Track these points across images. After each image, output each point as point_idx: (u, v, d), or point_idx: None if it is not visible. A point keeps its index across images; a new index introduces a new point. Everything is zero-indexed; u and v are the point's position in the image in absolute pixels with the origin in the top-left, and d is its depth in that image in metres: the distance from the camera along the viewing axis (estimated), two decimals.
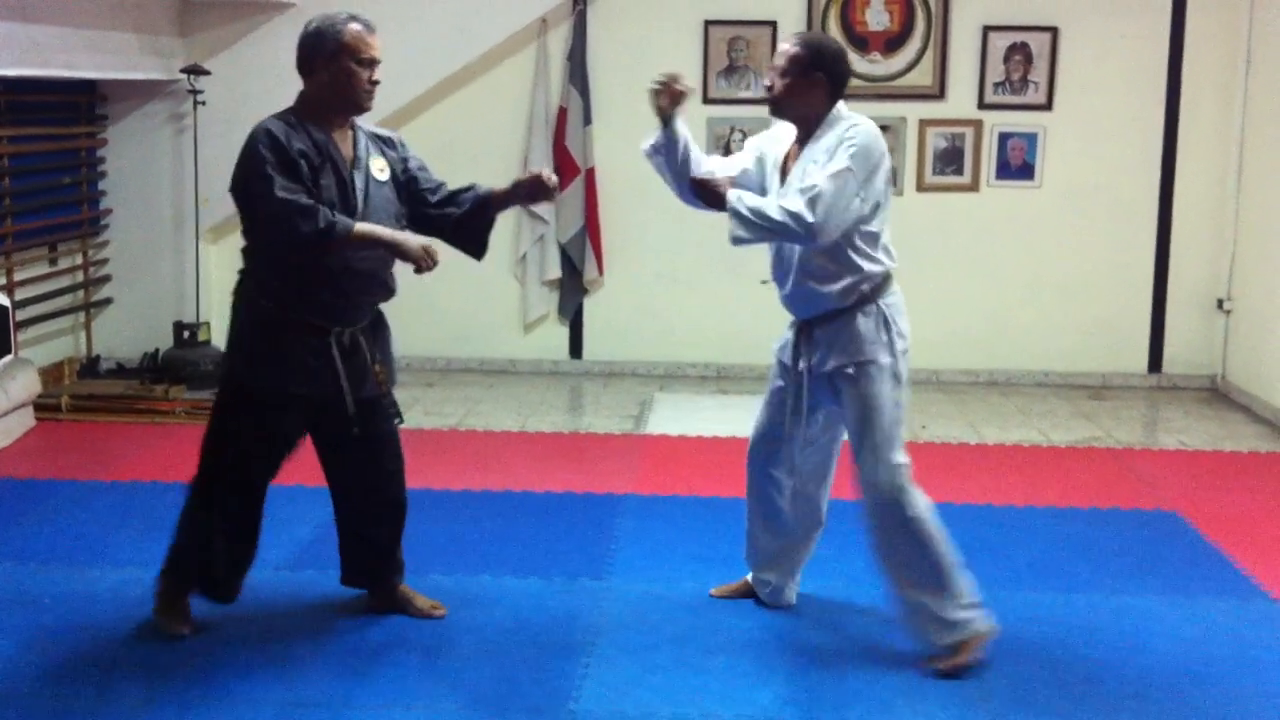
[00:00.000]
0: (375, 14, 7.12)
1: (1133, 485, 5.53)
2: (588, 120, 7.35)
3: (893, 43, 7.33)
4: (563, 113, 7.34)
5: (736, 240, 3.62)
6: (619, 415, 6.70)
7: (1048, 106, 7.33)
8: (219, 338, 7.38)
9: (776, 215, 3.52)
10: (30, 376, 6.12)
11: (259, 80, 7.07)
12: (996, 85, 7.34)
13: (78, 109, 7.07)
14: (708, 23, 7.35)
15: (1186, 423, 6.72)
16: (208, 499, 3.76)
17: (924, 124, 7.38)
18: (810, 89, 3.62)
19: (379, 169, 3.77)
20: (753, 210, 3.57)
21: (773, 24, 7.33)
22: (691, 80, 7.27)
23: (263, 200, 3.50)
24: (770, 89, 3.69)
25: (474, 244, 4.05)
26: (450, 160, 7.62)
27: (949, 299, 7.53)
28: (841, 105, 3.67)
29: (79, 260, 7.21)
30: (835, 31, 7.31)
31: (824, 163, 3.54)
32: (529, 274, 7.54)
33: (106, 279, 7.40)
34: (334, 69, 3.62)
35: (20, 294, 6.57)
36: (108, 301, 7.42)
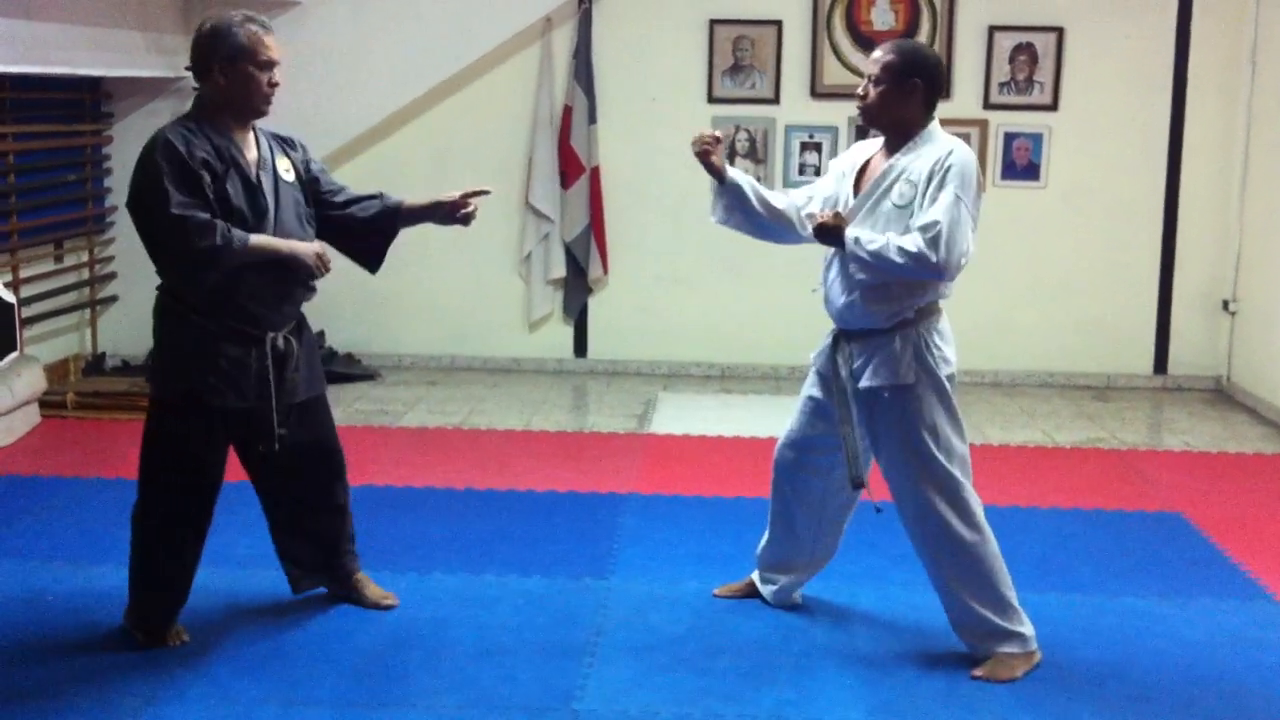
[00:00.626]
0: (380, 13, 7.23)
1: (1137, 486, 5.52)
2: (592, 119, 7.35)
3: None
4: (567, 112, 7.34)
5: (861, 283, 3.60)
6: (623, 414, 6.70)
7: (1053, 107, 7.32)
8: None
9: (898, 258, 3.46)
10: (36, 373, 6.13)
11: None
12: (1002, 85, 7.33)
13: (82, 106, 7.07)
14: (713, 21, 7.35)
15: (1191, 424, 6.71)
16: (149, 525, 3.70)
17: None
18: (906, 97, 3.56)
19: (285, 169, 3.70)
20: (872, 254, 3.50)
21: (778, 23, 7.32)
22: (696, 79, 7.37)
23: (158, 214, 3.43)
24: (864, 98, 3.61)
25: (370, 254, 3.97)
26: (454, 159, 7.67)
27: (953, 300, 7.46)
28: (937, 122, 3.61)
29: (84, 258, 7.22)
30: (840, 30, 7.31)
31: (924, 189, 3.49)
32: (533, 273, 7.54)
33: (112, 276, 7.40)
34: (231, 73, 3.52)
35: (26, 291, 6.57)
36: (113, 299, 7.43)
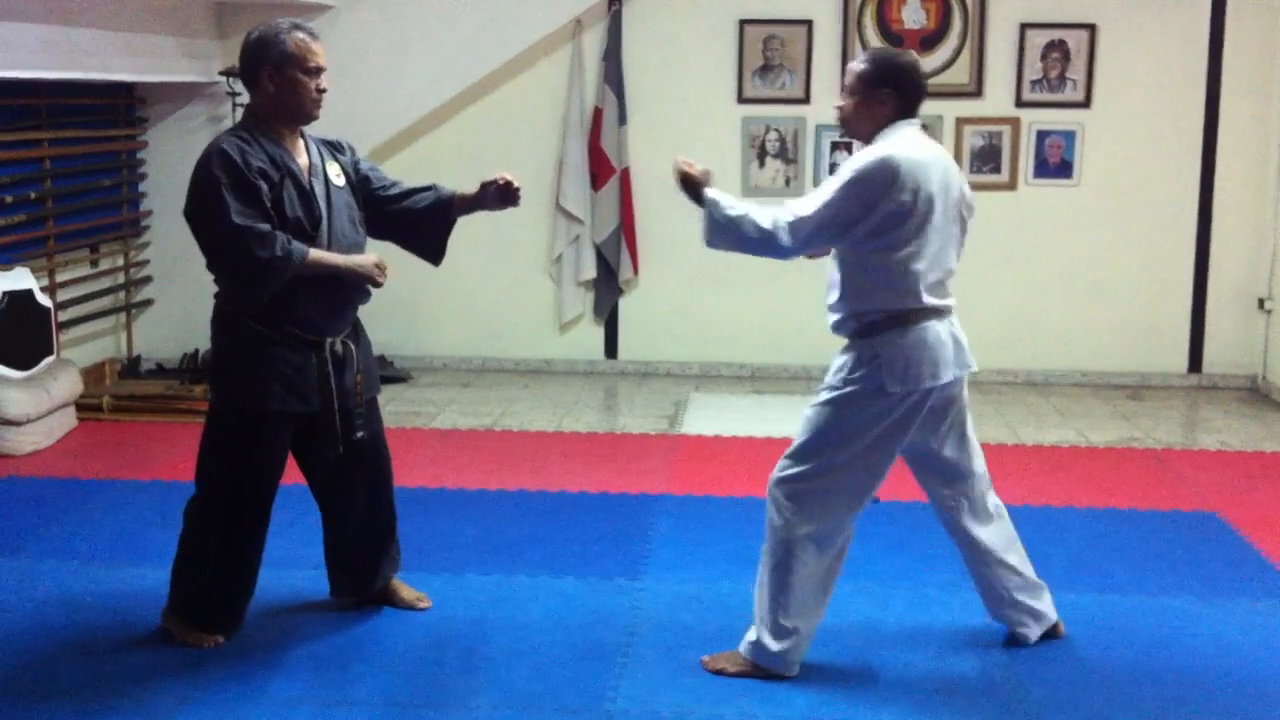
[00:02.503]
0: (412, 16, 7.26)
1: (1172, 486, 5.48)
2: (623, 120, 7.36)
3: (929, 40, 7.30)
4: (598, 113, 7.35)
5: (709, 244, 3.56)
6: (654, 415, 6.70)
7: (1086, 104, 7.28)
8: None
9: (749, 231, 3.45)
10: (72, 377, 6.19)
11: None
12: (1034, 83, 7.29)
13: (117, 112, 7.14)
14: (743, 22, 7.34)
15: (1226, 423, 6.66)
16: (208, 529, 3.72)
17: (961, 122, 7.34)
18: (878, 106, 3.52)
19: (335, 174, 3.74)
20: (726, 219, 3.48)
21: (808, 23, 7.31)
22: (727, 79, 7.36)
23: (218, 225, 3.46)
24: (841, 109, 3.61)
25: (431, 248, 4.01)
26: (485, 162, 7.67)
27: (986, 299, 7.49)
28: (900, 125, 3.52)
29: (120, 262, 7.29)
30: (871, 30, 7.29)
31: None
32: (564, 274, 7.56)
33: (147, 280, 7.47)
34: (280, 80, 3.57)
35: (62, 295, 6.64)
36: (148, 303, 7.49)
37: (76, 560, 4.44)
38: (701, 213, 3.56)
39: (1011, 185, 7.38)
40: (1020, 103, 7.31)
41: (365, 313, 7.95)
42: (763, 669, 3.59)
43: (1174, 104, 7.27)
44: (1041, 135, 7.33)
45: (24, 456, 5.72)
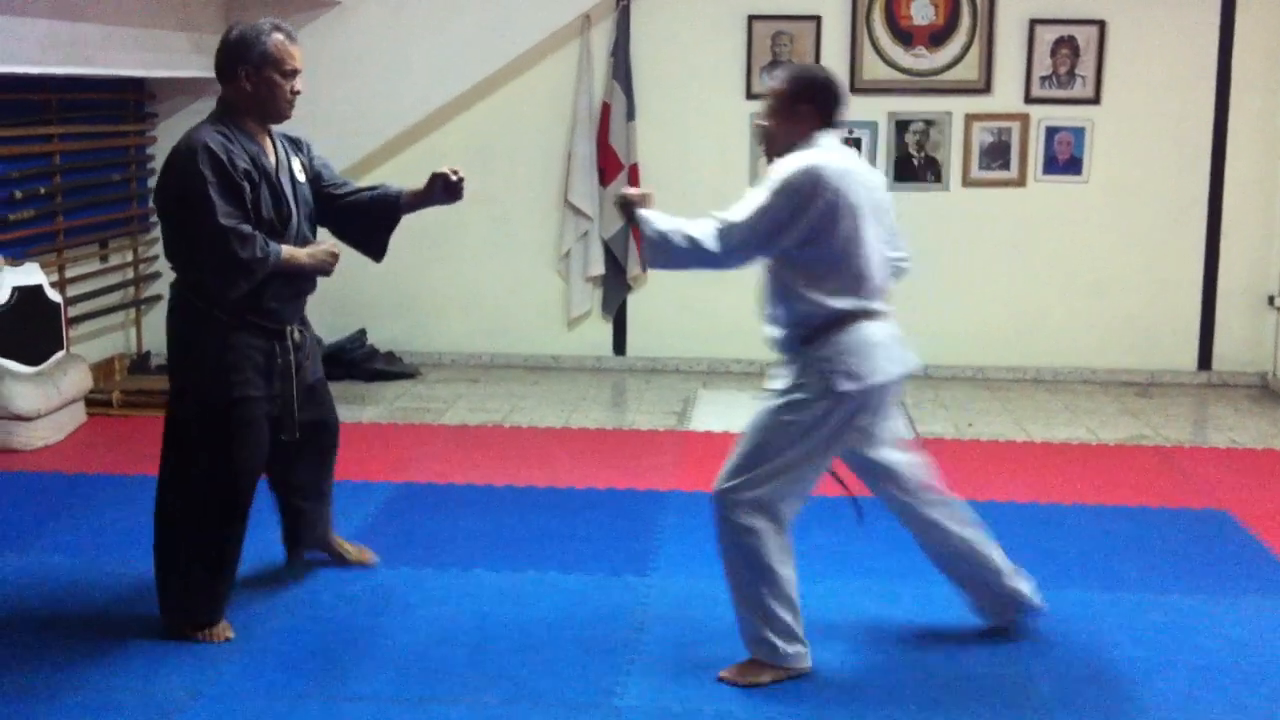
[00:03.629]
0: (419, 12, 7.26)
1: (1182, 484, 5.47)
2: (631, 116, 7.35)
3: (938, 36, 7.28)
4: (606, 109, 7.34)
5: (649, 265, 3.66)
6: (662, 411, 6.70)
7: (1095, 100, 7.26)
8: None
9: (681, 243, 3.50)
10: (82, 372, 6.20)
11: (305, 77, 7.12)
12: (1043, 79, 7.27)
13: (126, 107, 7.15)
14: (751, 17, 7.33)
15: (1236, 420, 6.64)
16: (199, 526, 3.72)
17: (970, 118, 7.33)
18: (798, 123, 3.54)
19: (298, 169, 3.85)
20: (658, 234, 3.53)
21: (817, 18, 7.30)
22: (735, 75, 7.35)
23: (205, 223, 3.51)
24: (764, 127, 3.63)
25: (373, 244, 4.07)
26: (493, 158, 7.69)
27: (995, 295, 7.49)
28: (818, 136, 3.52)
29: (129, 257, 7.30)
30: (879, 25, 7.28)
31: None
32: (572, 270, 7.56)
33: (157, 276, 7.48)
34: (257, 79, 3.65)
35: (72, 290, 6.65)
36: (158, 298, 7.50)
37: (86, 555, 4.45)
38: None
39: (1020, 182, 7.36)
40: (1029, 99, 7.29)
41: (373, 309, 8.02)
42: (786, 669, 3.56)
43: (1184, 100, 7.25)
44: (1051, 132, 7.31)
45: (34, 451, 5.74)
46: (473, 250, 7.52)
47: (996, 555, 3.79)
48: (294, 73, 3.69)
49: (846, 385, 3.47)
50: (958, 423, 6.50)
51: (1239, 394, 7.22)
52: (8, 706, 3.36)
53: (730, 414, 6.60)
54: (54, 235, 6.57)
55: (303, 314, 3.95)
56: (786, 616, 3.55)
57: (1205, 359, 7.46)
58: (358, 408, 6.69)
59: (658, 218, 3.56)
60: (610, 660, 3.66)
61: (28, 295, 5.88)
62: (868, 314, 3.54)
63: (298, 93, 3.73)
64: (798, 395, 3.52)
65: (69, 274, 6.67)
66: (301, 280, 3.83)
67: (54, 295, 6.11)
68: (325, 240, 3.91)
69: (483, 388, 7.17)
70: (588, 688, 3.50)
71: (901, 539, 4.65)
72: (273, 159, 3.75)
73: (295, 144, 3.93)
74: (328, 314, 7.86)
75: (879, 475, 3.79)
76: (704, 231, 3.49)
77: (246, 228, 3.55)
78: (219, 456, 3.69)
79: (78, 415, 6.17)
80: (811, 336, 3.52)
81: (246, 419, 3.71)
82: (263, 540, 4.33)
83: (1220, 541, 4.72)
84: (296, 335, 3.82)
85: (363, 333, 7.57)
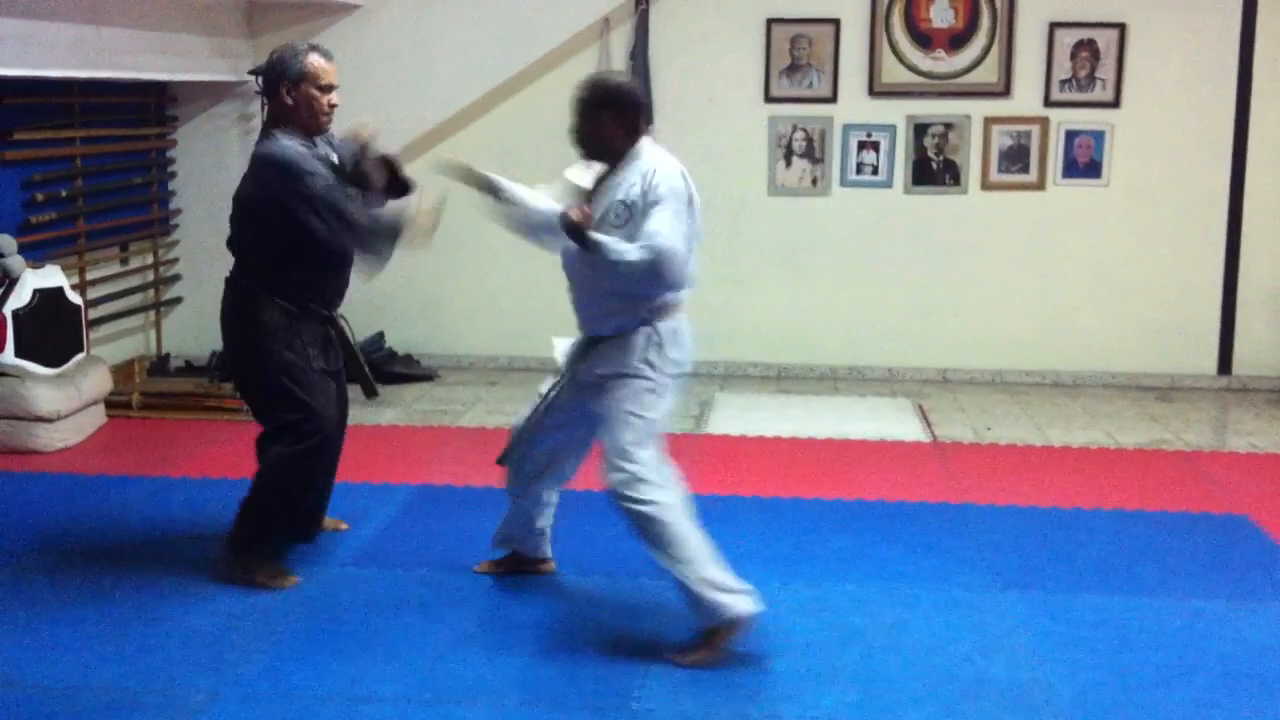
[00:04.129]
0: (441, 16, 7.28)
1: (1202, 488, 5.44)
2: (649, 119, 7.33)
3: (957, 39, 7.27)
4: None
5: (606, 290, 3.83)
6: (680, 415, 6.68)
7: (1115, 104, 7.24)
8: None
9: (636, 266, 3.67)
10: (102, 374, 6.23)
11: None
12: (1063, 82, 7.25)
13: (148, 110, 7.18)
14: (770, 21, 7.33)
15: (1257, 425, 6.61)
16: (301, 461, 4.15)
17: (989, 121, 7.31)
18: (601, 128, 3.83)
19: (336, 164, 4.22)
20: (615, 259, 3.69)
21: (835, 21, 7.30)
22: (754, 79, 7.35)
23: (319, 192, 3.96)
24: (577, 135, 3.91)
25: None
26: (513, 161, 7.63)
27: (1014, 298, 7.47)
28: (644, 143, 3.85)
29: (149, 260, 7.33)
30: (899, 28, 7.27)
31: (641, 208, 3.72)
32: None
33: (176, 278, 7.51)
34: (297, 95, 4.07)
35: (92, 293, 6.69)
36: (177, 300, 7.54)
37: (107, 556, 4.47)
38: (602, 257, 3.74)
39: (1040, 185, 7.34)
40: (1049, 102, 7.27)
41: (392, 311, 8.05)
42: (735, 621, 3.68)
43: (1204, 103, 7.22)
44: (1070, 135, 7.29)
45: (54, 453, 5.76)
46: (491, 253, 7.52)
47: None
48: (330, 87, 4.11)
49: (673, 367, 3.88)
50: (976, 427, 6.49)
51: (1259, 398, 7.19)
52: (30, 706, 3.38)
53: (748, 417, 6.60)
54: (75, 238, 6.60)
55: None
56: (714, 570, 3.74)
57: (1225, 363, 7.43)
58: (376, 410, 6.70)
59: (611, 241, 3.73)
60: (628, 663, 3.67)
61: (49, 297, 5.91)
62: (680, 305, 3.93)
63: (335, 106, 4.14)
64: (647, 370, 3.84)
65: (90, 276, 6.70)
66: (345, 285, 4.34)
67: (75, 297, 6.14)
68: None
69: (501, 390, 7.18)
70: (606, 690, 3.51)
71: (922, 543, 4.66)
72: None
73: (329, 143, 4.28)
74: (347, 316, 7.89)
75: (584, 441, 4.08)
76: (656, 253, 3.68)
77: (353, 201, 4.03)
78: (307, 412, 4.11)
79: (98, 417, 6.20)
80: (647, 320, 3.85)
81: (319, 383, 4.18)
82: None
83: (1241, 546, 4.69)
84: (335, 328, 4.35)
85: (381, 335, 7.59)
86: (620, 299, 3.82)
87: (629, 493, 3.76)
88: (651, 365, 3.84)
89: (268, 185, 4.02)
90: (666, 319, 3.88)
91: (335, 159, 4.17)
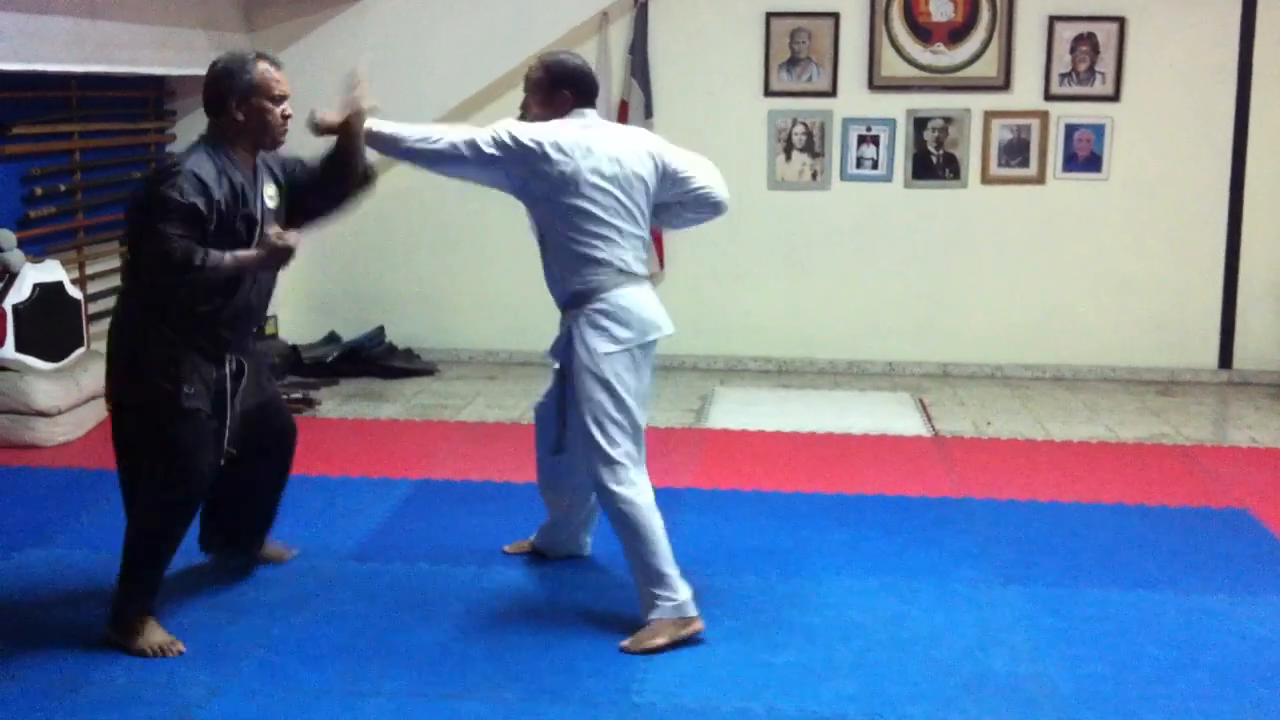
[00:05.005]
0: (439, 8, 7.27)
1: (1202, 483, 5.44)
2: (649, 113, 7.35)
3: (957, 33, 7.26)
4: (624, 106, 7.34)
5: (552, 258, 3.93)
6: (680, 409, 6.70)
7: (1115, 98, 7.23)
8: (286, 330, 7.48)
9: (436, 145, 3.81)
10: (102, 369, 6.19)
11: (324, 76, 7.12)
12: (1063, 76, 7.25)
13: (146, 105, 7.17)
14: (769, 15, 7.32)
15: (1258, 419, 6.61)
16: (167, 517, 3.77)
17: (989, 115, 7.30)
18: (560, 105, 3.87)
19: (269, 196, 3.84)
20: (392, 135, 3.84)
21: (835, 15, 7.29)
22: (753, 73, 7.35)
23: (156, 229, 3.53)
24: (526, 110, 3.94)
25: (340, 195, 4.05)
26: None
27: (1014, 293, 7.46)
28: (577, 112, 3.87)
29: None
30: (898, 22, 7.26)
31: None
32: None
33: None
34: (247, 108, 3.69)
35: (92, 287, 6.68)
36: None
37: (107, 550, 4.45)
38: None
39: (1040, 179, 7.34)
40: (1049, 96, 7.27)
41: (391, 305, 8.04)
42: (686, 620, 3.75)
43: (1204, 97, 7.22)
44: (1070, 129, 7.28)
45: (54, 447, 5.77)
46: (491, 247, 7.52)
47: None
48: (282, 98, 3.74)
49: (609, 346, 3.84)
50: (976, 421, 6.49)
51: (1260, 392, 7.19)
52: (30, 701, 3.38)
53: (748, 411, 6.60)
54: (75, 232, 6.59)
55: (248, 346, 3.94)
56: (673, 569, 3.82)
57: (1226, 357, 7.43)
58: (376, 404, 6.71)
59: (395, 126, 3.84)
60: (628, 657, 3.67)
61: (49, 292, 5.90)
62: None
63: (289, 117, 3.77)
64: (582, 368, 3.84)
65: (89, 271, 6.69)
66: (254, 315, 3.89)
67: (75, 292, 6.14)
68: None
69: (500, 385, 7.18)
70: (606, 684, 3.51)
71: (922, 537, 4.66)
72: (256, 188, 3.78)
73: (281, 167, 3.95)
74: (347, 311, 7.89)
75: None
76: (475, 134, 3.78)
77: (186, 243, 3.53)
78: (175, 461, 3.71)
79: (98, 411, 6.19)
80: (582, 298, 3.86)
81: (198, 428, 3.72)
82: (280, 538, 4.36)
83: (1241, 540, 4.69)
84: (233, 365, 3.81)
85: (381, 330, 7.59)
86: (548, 267, 3.91)
87: (609, 488, 3.81)
88: (593, 348, 3.81)
89: (135, 196, 3.72)
90: (607, 294, 3.82)
91: (270, 188, 3.84)
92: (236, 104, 3.68)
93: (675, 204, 4.03)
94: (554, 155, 3.74)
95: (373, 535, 4.64)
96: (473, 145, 3.77)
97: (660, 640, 3.72)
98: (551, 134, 3.77)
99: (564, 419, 3.99)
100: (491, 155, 3.76)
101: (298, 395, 6.57)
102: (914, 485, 5.32)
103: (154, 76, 6.99)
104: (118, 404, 3.86)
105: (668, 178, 3.96)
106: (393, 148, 3.87)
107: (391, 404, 6.74)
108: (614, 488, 3.80)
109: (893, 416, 6.52)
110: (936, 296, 7.51)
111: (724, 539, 4.67)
